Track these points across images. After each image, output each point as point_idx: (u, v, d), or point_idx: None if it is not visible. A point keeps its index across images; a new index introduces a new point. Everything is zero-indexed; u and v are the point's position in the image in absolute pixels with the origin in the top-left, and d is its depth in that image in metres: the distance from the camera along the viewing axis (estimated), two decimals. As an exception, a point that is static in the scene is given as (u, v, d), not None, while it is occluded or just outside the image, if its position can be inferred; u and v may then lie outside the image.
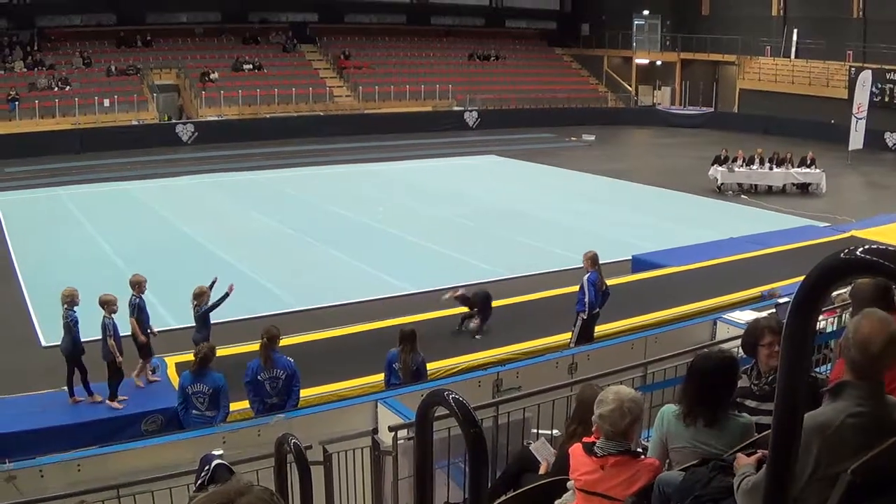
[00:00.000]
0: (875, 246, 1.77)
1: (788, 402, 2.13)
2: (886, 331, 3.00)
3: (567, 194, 26.82)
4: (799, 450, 2.20)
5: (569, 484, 4.41)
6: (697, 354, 4.59)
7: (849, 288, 8.91)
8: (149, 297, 11.39)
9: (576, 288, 12.48)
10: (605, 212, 24.07)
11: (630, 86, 48.79)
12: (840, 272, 1.87)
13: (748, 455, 3.40)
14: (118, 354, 10.31)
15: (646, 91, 48.84)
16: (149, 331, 11.07)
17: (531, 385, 7.94)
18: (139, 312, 10.94)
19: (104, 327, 10.30)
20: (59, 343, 10.60)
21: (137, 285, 11.02)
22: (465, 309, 13.34)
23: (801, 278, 2.03)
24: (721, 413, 4.13)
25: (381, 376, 10.35)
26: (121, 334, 10.55)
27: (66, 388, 10.59)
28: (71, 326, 10.27)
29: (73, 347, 10.33)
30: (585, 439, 4.29)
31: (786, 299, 10.57)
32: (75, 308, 10.36)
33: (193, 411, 9.19)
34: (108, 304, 10.45)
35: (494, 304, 13.37)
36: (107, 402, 10.38)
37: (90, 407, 10.32)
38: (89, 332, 10.60)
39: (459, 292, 13.49)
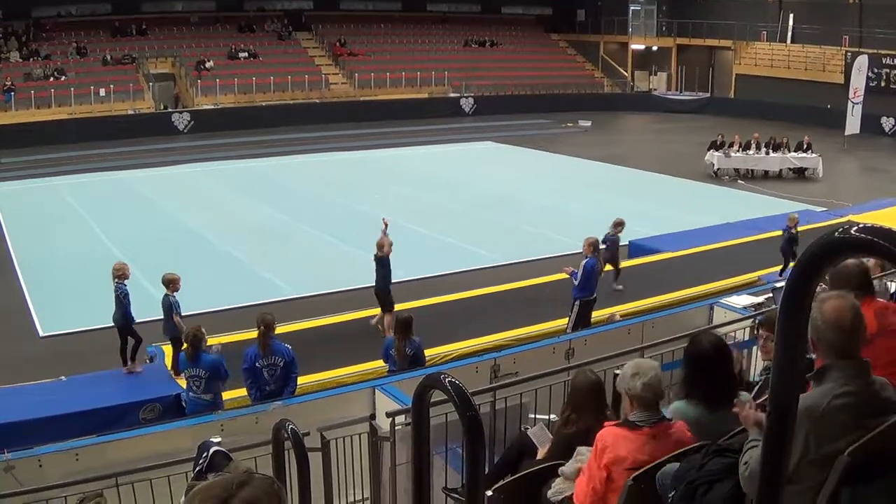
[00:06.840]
0: (870, 225, 1.77)
1: (784, 385, 2.12)
2: (850, 305, 3.01)
3: (563, 180, 26.79)
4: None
5: (562, 469, 4.40)
6: (688, 342, 4.51)
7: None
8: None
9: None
10: (602, 197, 24.00)
11: (626, 71, 48.72)
12: (835, 251, 1.86)
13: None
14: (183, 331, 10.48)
15: (642, 77, 48.74)
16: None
17: (528, 370, 7.93)
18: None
19: (170, 305, 10.62)
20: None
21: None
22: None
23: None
24: (727, 392, 4.10)
25: (378, 363, 10.42)
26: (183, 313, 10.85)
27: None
28: (121, 299, 10.70)
29: (123, 319, 10.76)
30: (607, 424, 4.20)
31: (782, 283, 10.58)
32: (126, 282, 10.75)
33: (191, 394, 9.26)
34: (171, 283, 10.76)
35: (491, 290, 13.33)
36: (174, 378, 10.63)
37: (88, 396, 10.33)
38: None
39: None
